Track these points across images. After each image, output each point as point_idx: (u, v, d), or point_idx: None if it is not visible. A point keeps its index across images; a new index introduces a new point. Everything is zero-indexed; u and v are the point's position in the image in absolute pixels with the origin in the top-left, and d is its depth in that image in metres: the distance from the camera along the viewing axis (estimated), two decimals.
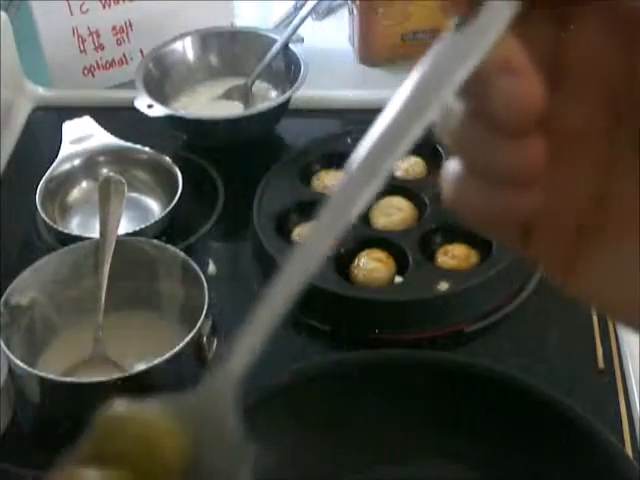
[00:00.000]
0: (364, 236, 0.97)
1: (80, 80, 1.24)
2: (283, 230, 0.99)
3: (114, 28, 1.22)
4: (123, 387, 0.80)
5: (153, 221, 1.00)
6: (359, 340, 0.91)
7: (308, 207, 1.00)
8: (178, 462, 0.35)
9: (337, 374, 0.79)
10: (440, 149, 1.06)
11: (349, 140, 1.08)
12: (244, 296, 0.97)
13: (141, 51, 1.24)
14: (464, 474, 0.77)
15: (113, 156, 1.07)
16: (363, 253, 0.94)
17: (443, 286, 0.91)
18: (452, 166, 0.37)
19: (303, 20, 1.17)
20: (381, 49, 1.27)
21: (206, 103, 1.18)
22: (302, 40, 1.17)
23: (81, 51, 1.22)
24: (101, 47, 1.23)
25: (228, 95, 1.19)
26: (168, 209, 1.01)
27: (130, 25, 1.23)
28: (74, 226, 1.04)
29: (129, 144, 1.08)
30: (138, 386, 0.80)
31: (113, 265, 0.88)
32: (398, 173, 1.05)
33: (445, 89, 0.34)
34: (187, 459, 0.35)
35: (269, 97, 1.19)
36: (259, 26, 1.30)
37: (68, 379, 0.82)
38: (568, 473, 0.73)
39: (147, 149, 1.08)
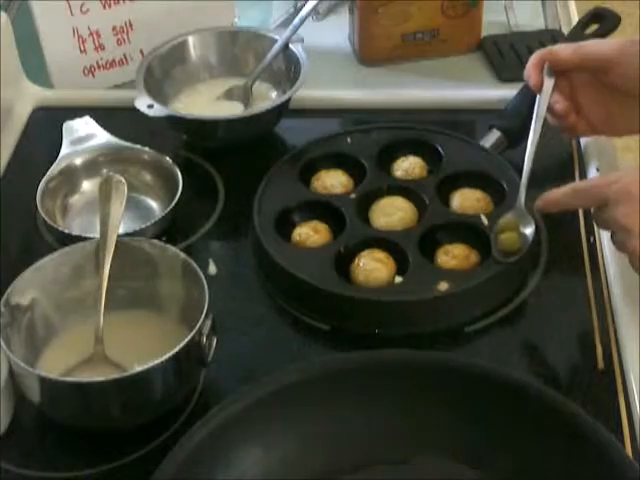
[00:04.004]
0: (364, 236, 0.97)
1: (80, 80, 1.24)
2: (283, 230, 0.99)
3: (114, 28, 1.23)
4: (123, 387, 0.80)
5: (153, 221, 1.00)
6: (359, 340, 0.91)
7: (308, 207, 1.00)
8: None
9: (337, 374, 0.79)
10: (440, 149, 1.06)
11: (349, 140, 1.09)
12: (244, 296, 0.97)
13: (141, 51, 1.24)
14: (464, 474, 0.77)
15: (113, 156, 1.07)
16: (363, 253, 0.94)
17: (443, 286, 0.91)
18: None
19: (303, 20, 1.17)
20: (381, 49, 1.27)
21: (206, 103, 1.18)
22: (302, 40, 1.17)
23: (81, 51, 1.22)
24: (101, 47, 1.23)
25: (228, 95, 1.19)
26: (168, 209, 1.01)
27: (130, 25, 1.23)
28: (74, 226, 1.03)
29: (129, 144, 1.08)
30: (138, 386, 0.81)
31: (113, 265, 0.88)
32: (398, 173, 1.05)
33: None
34: None
35: (269, 97, 1.19)
36: (259, 26, 1.30)
37: (68, 379, 0.82)
38: (568, 473, 0.73)
39: (147, 149, 1.08)
